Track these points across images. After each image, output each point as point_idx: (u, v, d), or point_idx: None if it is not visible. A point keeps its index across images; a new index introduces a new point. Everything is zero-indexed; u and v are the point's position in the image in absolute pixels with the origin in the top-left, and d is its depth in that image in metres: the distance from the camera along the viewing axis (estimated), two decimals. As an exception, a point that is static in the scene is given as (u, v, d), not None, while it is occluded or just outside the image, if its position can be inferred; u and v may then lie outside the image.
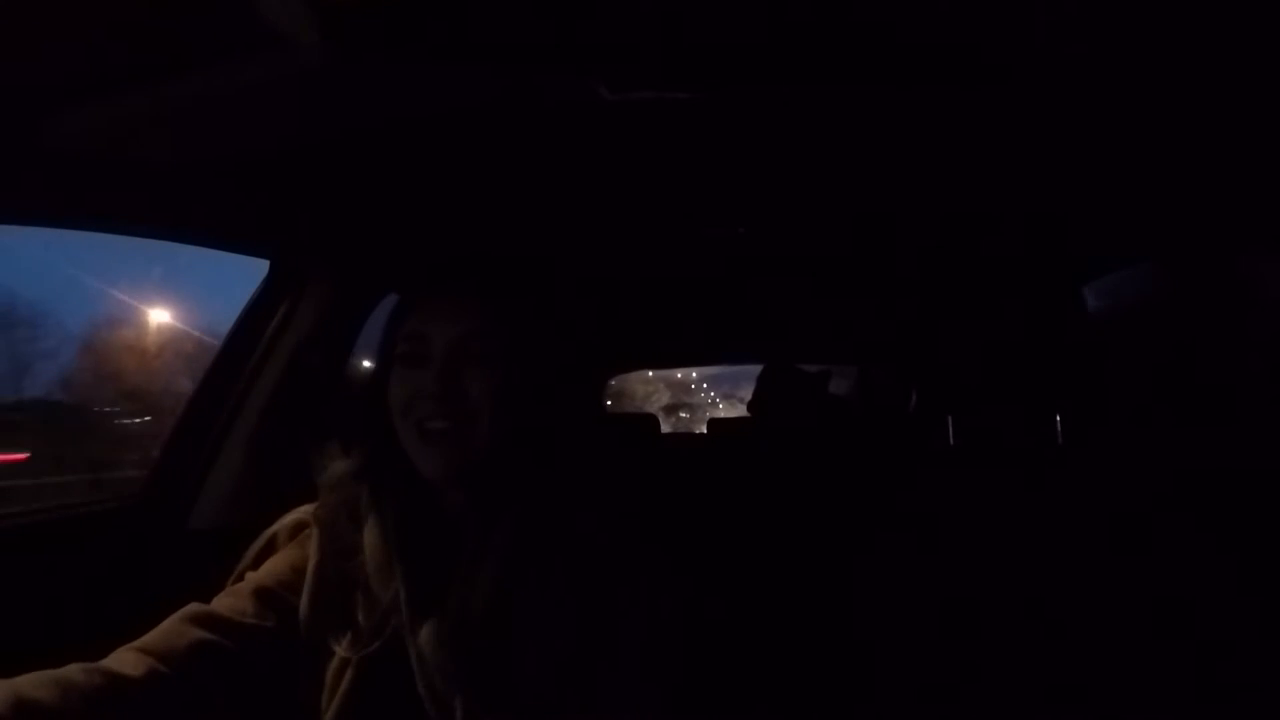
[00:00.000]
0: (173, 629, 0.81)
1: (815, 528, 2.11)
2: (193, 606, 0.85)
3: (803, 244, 1.92)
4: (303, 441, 1.50)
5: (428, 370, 0.86)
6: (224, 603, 0.86)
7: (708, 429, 3.66)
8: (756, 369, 2.63)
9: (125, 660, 0.76)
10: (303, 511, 0.95)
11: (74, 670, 0.72)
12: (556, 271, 1.79)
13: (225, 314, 1.57)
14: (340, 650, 0.86)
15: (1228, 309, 1.65)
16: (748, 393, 2.71)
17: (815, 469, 2.26)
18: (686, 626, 0.90)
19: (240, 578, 0.91)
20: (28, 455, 4.35)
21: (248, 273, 1.51)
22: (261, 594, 0.87)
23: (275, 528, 0.95)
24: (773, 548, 2.10)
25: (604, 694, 0.85)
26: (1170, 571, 1.65)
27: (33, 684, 0.69)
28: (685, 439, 4.99)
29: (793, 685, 1.81)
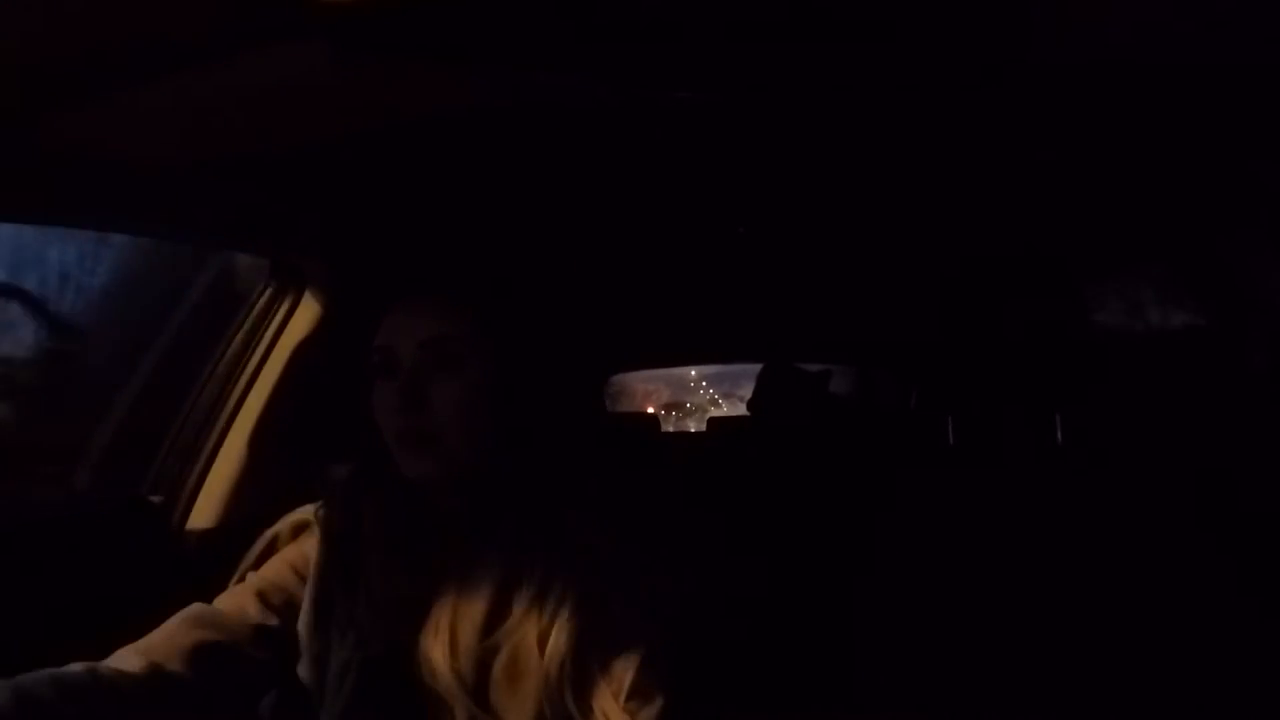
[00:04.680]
0: (175, 629, 0.81)
1: (815, 527, 2.11)
2: (195, 606, 0.85)
3: (803, 244, 1.92)
4: (303, 441, 1.51)
5: (395, 382, 0.86)
6: (226, 602, 0.87)
7: (708, 428, 3.66)
8: (756, 368, 2.63)
9: (127, 659, 0.76)
10: (304, 511, 0.96)
11: (75, 669, 0.72)
12: (531, 269, 1.79)
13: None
14: (342, 651, 0.86)
15: (1228, 308, 1.65)
16: (747, 391, 2.72)
17: (815, 468, 2.26)
18: (687, 626, 0.90)
19: (242, 577, 0.91)
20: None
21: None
22: (263, 594, 0.87)
23: (277, 527, 0.95)
24: (772, 547, 2.10)
25: (604, 694, 0.85)
26: (1170, 571, 1.66)
27: (34, 682, 0.69)
28: (685, 438, 5.00)
29: (793, 685, 1.81)
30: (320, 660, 0.87)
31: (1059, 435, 2.42)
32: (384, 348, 0.88)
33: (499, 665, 0.84)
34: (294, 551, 0.93)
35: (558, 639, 0.85)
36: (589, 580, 0.88)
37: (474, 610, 0.85)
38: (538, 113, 1.07)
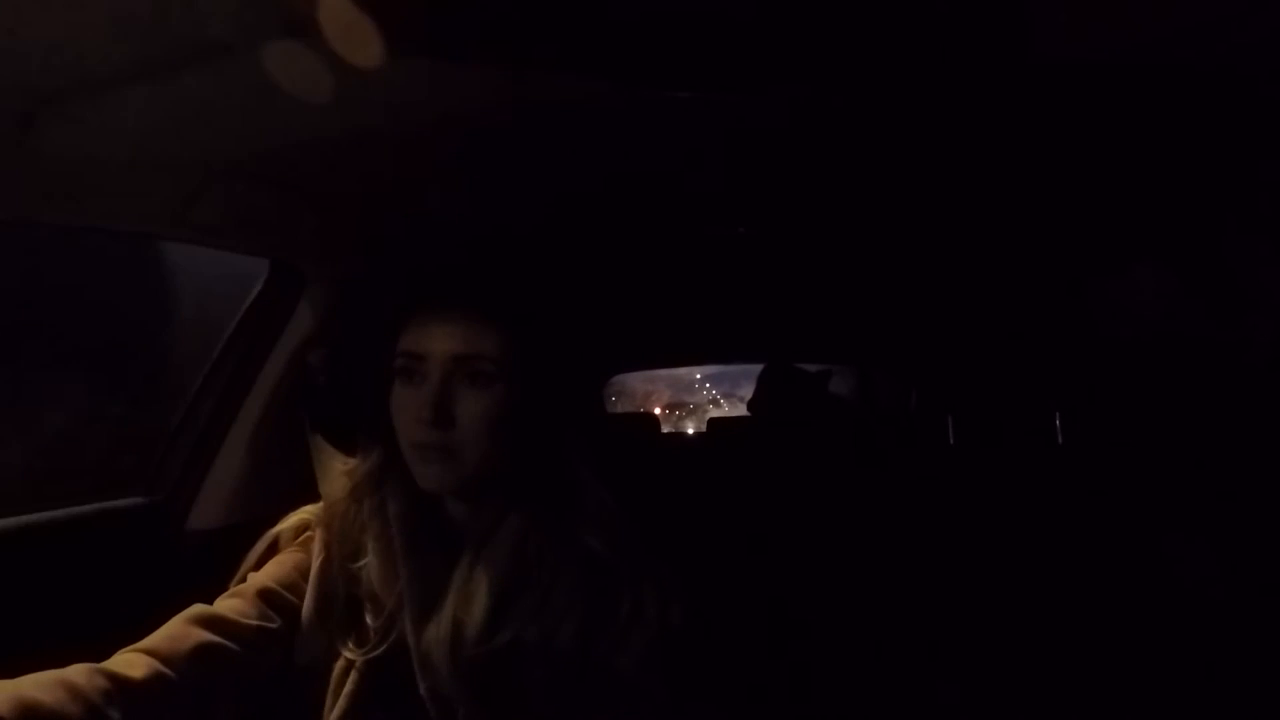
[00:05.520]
0: (176, 630, 0.81)
1: (815, 527, 2.11)
2: (196, 607, 0.85)
3: (803, 244, 1.92)
4: (303, 442, 1.50)
5: (422, 389, 0.86)
6: (227, 604, 0.86)
7: (708, 428, 3.67)
8: (758, 368, 2.63)
9: (128, 661, 0.76)
10: (306, 512, 0.96)
11: (77, 671, 0.72)
12: (553, 276, 1.79)
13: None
14: (344, 652, 0.86)
15: (1229, 309, 1.65)
16: (748, 392, 2.72)
17: (815, 468, 2.26)
18: (688, 628, 0.90)
19: (243, 579, 0.91)
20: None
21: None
22: (265, 595, 0.87)
23: (278, 528, 0.95)
24: (774, 547, 2.10)
25: (606, 697, 0.85)
26: (1169, 570, 1.66)
27: (36, 685, 0.69)
28: (685, 439, 5.01)
29: (794, 685, 1.81)
30: (322, 661, 0.87)
31: (1059, 435, 2.43)
32: (412, 354, 0.87)
33: (501, 666, 0.85)
34: (296, 553, 0.93)
35: (561, 641, 0.85)
36: (591, 582, 0.88)
37: (477, 611, 0.85)
38: (538, 113, 1.07)
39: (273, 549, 0.94)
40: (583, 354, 0.99)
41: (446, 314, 0.88)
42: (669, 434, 4.77)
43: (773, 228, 1.77)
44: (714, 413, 9.80)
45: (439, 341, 0.87)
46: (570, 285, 1.92)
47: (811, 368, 2.67)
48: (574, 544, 0.88)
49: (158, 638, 0.80)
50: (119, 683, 0.73)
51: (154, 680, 0.75)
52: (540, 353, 0.90)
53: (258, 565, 0.92)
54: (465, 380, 0.86)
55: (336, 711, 0.84)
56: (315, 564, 0.90)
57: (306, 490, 0.97)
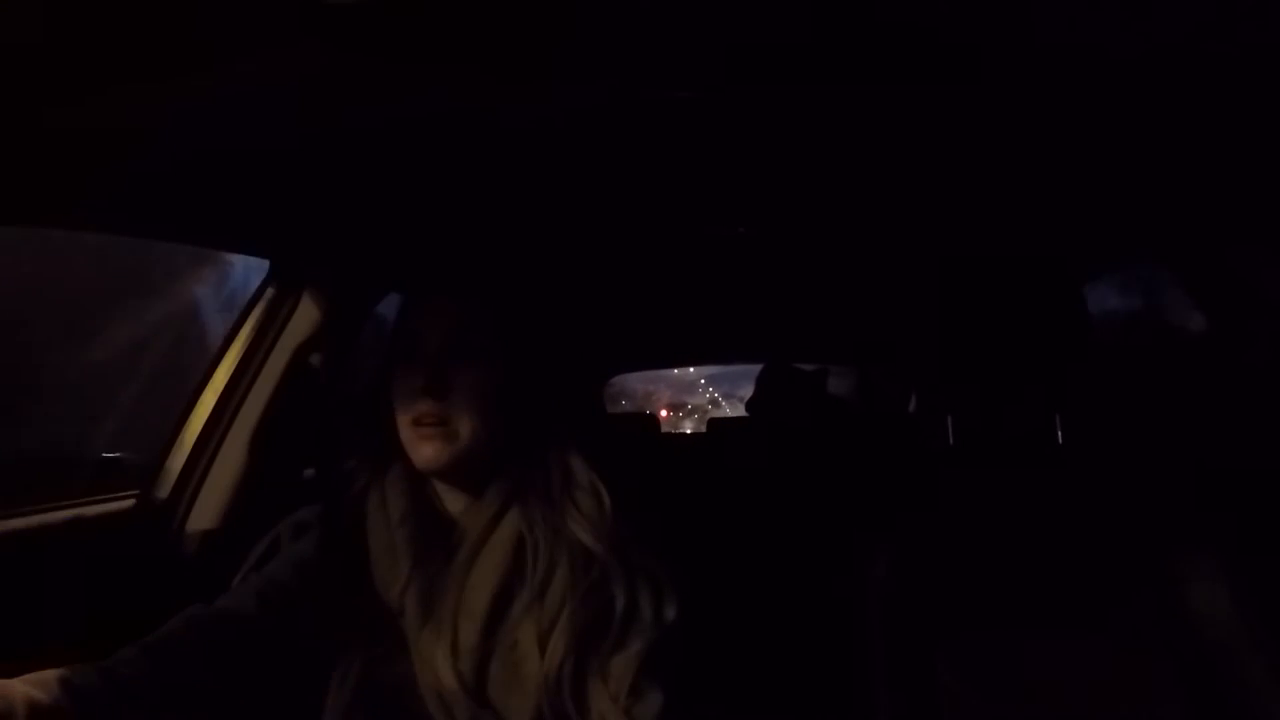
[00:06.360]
0: (175, 630, 0.81)
1: (814, 527, 2.11)
2: (196, 607, 0.85)
3: (802, 244, 1.93)
4: (303, 441, 1.51)
5: (419, 365, 0.88)
6: (227, 603, 0.87)
7: (708, 429, 3.67)
8: (757, 369, 2.64)
9: (128, 660, 0.76)
10: (306, 511, 0.96)
11: (76, 670, 0.72)
12: (548, 268, 1.79)
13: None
14: (344, 651, 0.86)
15: (1228, 308, 1.65)
16: (748, 392, 2.72)
17: (814, 469, 2.26)
18: (686, 627, 0.91)
19: (244, 579, 0.91)
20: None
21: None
22: (265, 594, 0.87)
23: (279, 528, 0.95)
24: (772, 547, 2.10)
25: (603, 695, 0.85)
26: (1169, 571, 1.66)
27: (35, 684, 0.69)
28: (685, 439, 5.01)
29: (792, 685, 1.81)
30: (322, 660, 0.87)
31: (1059, 436, 2.42)
32: (410, 332, 0.91)
33: (499, 665, 0.85)
34: (296, 552, 0.93)
35: (557, 639, 0.85)
36: (589, 581, 0.88)
37: (475, 610, 0.86)
38: (538, 113, 1.07)
39: (273, 549, 0.94)
40: (575, 336, 1.02)
41: (440, 295, 0.92)
42: (668, 434, 4.78)
43: (773, 228, 1.77)
44: (714, 414, 9.80)
45: (433, 316, 0.91)
46: (566, 271, 1.92)
47: (810, 368, 2.67)
48: (570, 542, 0.89)
49: (157, 637, 0.80)
50: (117, 681, 0.73)
51: (153, 679, 0.75)
52: (532, 330, 0.94)
53: (258, 565, 0.93)
54: (460, 354, 0.89)
55: (337, 710, 0.84)
56: (316, 563, 0.90)
57: (307, 490, 0.97)
